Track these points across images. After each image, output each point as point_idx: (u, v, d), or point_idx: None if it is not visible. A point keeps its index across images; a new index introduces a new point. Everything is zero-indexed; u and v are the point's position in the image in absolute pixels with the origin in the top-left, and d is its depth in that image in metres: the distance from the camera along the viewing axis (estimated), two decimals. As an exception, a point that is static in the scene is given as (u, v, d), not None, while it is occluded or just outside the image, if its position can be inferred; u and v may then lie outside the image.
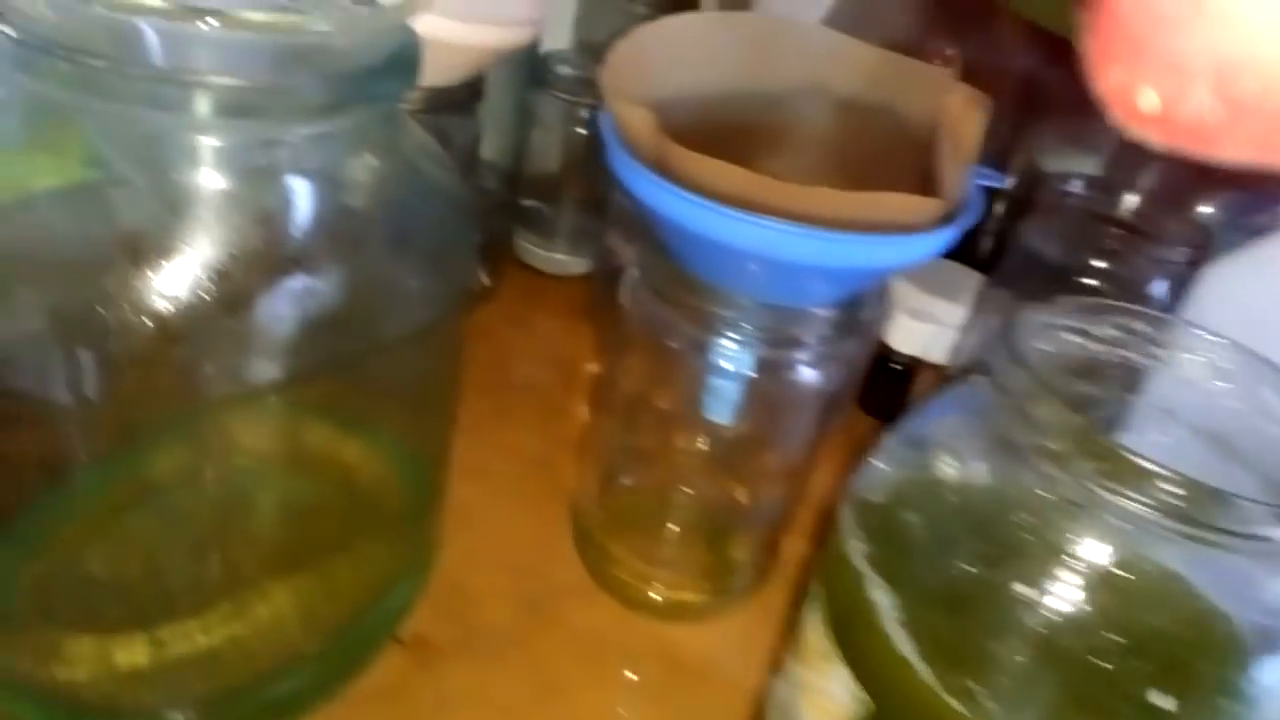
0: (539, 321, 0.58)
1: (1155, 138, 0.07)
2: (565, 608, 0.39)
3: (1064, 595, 0.18)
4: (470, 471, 0.45)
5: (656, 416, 0.39)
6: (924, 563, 0.20)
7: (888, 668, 0.20)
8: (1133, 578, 0.18)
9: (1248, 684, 0.18)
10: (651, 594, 0.39)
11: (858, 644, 0.21)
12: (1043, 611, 0.18)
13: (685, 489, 0.41)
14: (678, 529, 0.41)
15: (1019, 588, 0.19)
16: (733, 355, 0.32)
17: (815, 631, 0.23)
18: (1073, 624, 0.18)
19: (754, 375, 0.33)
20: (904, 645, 0.19)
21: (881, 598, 0.20)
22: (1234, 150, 0.07)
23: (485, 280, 0.58)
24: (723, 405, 0.35)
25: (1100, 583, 0.18)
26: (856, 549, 0.21)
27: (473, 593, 0.39)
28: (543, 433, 0.48)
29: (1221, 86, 0.06)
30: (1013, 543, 0.19)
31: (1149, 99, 0.07)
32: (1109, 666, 0.18)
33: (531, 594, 0.39)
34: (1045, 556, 0.19)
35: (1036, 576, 0.19)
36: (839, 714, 0.22)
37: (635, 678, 0.37)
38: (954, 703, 0.19)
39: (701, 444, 0.38)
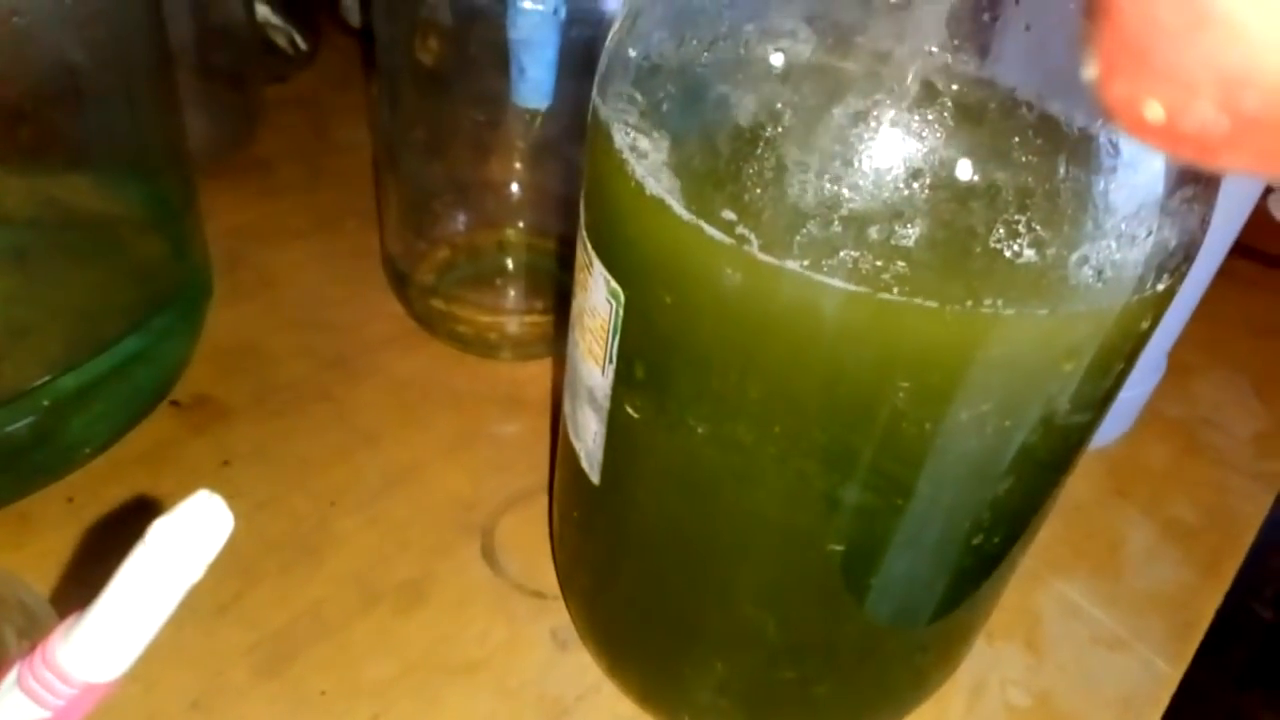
0: (363, 84, 0.51)
1: (1160, 147, 0.07)
2: (382, 360, 0.34)
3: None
4: (279, 234, 0.39)
5: (462, 135, 0.33)
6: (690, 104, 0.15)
7: (642, 219, 0.15)
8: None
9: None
10: (489, 333, 0.34)
11: (607, 221, 0.17)
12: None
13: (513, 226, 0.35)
14: (510, 265, 0.36)
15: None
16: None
17: (580, 251, 0.18)
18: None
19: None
20: (659, 185, 0.15)
21: (641, 145, 0.15)
22: (1236, 161, 0.07)
23: (302, 45, 0.50)
24: (535, 82, 0.29)
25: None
26: (614, 111, 0.16)
27: (270, 352, 0.33)
28: (366, 193, 0.42)
29: (1224, 100, 0.06)
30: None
31: (1154, 111, 0.07)
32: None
33: (339, 350, 0.34)
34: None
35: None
36: (601, 329, 0.17)
37: (467, 420, 0.32)
38: (715, 232, 0.14)
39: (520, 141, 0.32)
